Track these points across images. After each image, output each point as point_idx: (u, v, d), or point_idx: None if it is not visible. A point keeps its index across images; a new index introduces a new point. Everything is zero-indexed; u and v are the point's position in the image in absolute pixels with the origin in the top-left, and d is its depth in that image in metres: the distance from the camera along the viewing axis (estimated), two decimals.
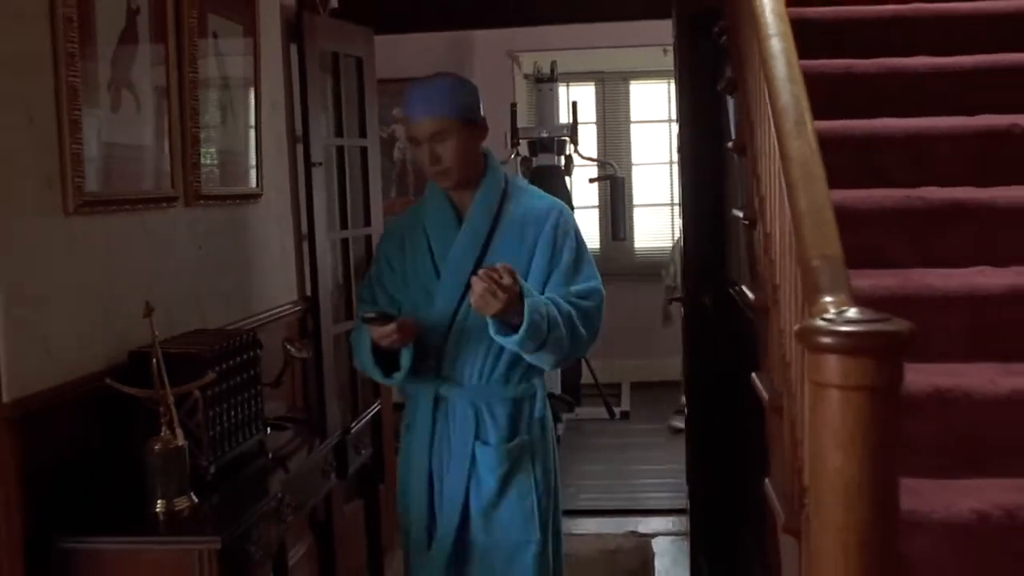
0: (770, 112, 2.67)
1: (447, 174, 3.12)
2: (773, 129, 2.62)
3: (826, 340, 1.78)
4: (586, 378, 8.18)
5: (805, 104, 2.59)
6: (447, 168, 3.10)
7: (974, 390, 2.61)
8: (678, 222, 5.84)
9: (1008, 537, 2.34)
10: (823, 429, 1.81)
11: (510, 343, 2.97)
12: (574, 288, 3.09)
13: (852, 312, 1.85)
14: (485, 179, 3.19)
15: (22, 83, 2.68)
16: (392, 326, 3.00)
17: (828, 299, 1.98)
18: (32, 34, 2.74)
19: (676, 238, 7.89)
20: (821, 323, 1.81)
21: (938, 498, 2.40)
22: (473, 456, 3.13)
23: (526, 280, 3.03)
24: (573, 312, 3.04)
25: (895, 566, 1.85)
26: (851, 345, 1.76)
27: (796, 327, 1.95)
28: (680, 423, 7.25)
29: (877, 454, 1.77)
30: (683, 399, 7.38)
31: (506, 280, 2.86)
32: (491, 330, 2.96)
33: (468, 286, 3.00)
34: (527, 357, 3.06)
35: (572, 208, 8.01)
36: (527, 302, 2.91)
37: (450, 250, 3.15)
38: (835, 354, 1.77)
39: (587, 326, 3.08)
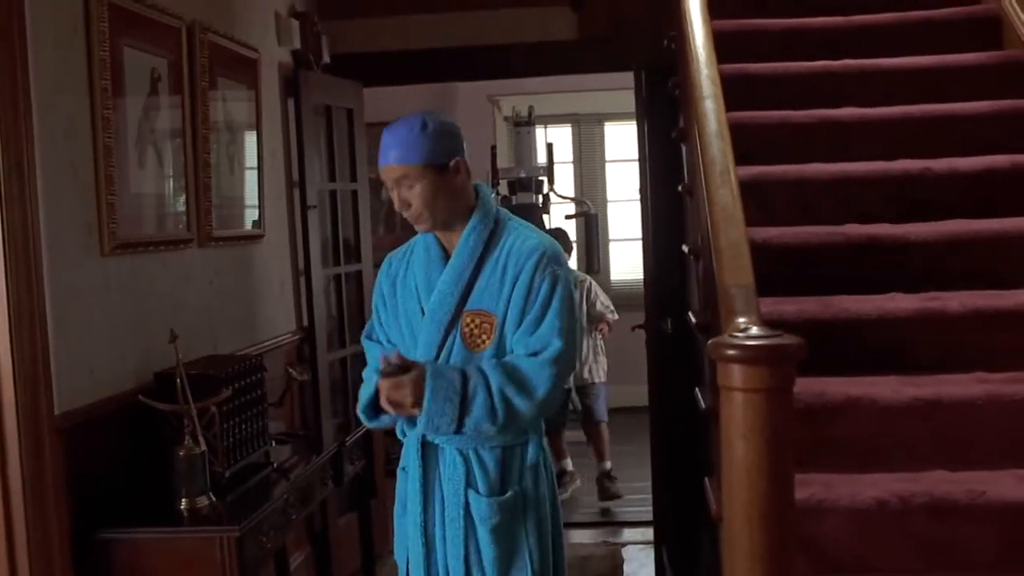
0: (701, 162, 3.07)
1: (419, 219, 2.96)
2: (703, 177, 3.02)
3: (731, 352, 2.12)
4: None
5: (730, 157, 2.97)
6: (418, 213, 2.94)
7: (880, 398, 2.94)
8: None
9: (902, 519, 2.70)
10: (730, 424, 2.13)
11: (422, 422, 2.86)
12: (530, 340, 2.91)
13: (754, 330, 2.20)
14: (473, 216, 2.98)
15: (68, 144, 3.15)
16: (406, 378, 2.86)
17: (741, 320, 2.32)
18: (76, 103, 3.20)
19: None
20: (728, 339, 2.16)
21: (846, 489, 2.75)
22: (467, 504, 2.95)
23: (503, 322, 2.92)
24: (503, 380, 2.86)
25: (793, 536, 2.21)
26: (750, 356, 2.10)
27: (709, 342, 2.23)
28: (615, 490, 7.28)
29: (772, 442, 2.10)
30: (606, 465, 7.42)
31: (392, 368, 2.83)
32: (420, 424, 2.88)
33: (451, 326, 2.94)
34: (467, 428, 2.88)
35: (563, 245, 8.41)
36: (429, 375, 2.84)
37: (434, 290, 2.98)
38: (738, 363, 2.12)
39: (525, 389, 2.87)
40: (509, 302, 2.92)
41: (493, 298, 2.93)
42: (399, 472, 3.11)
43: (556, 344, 2.88)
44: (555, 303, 2.90)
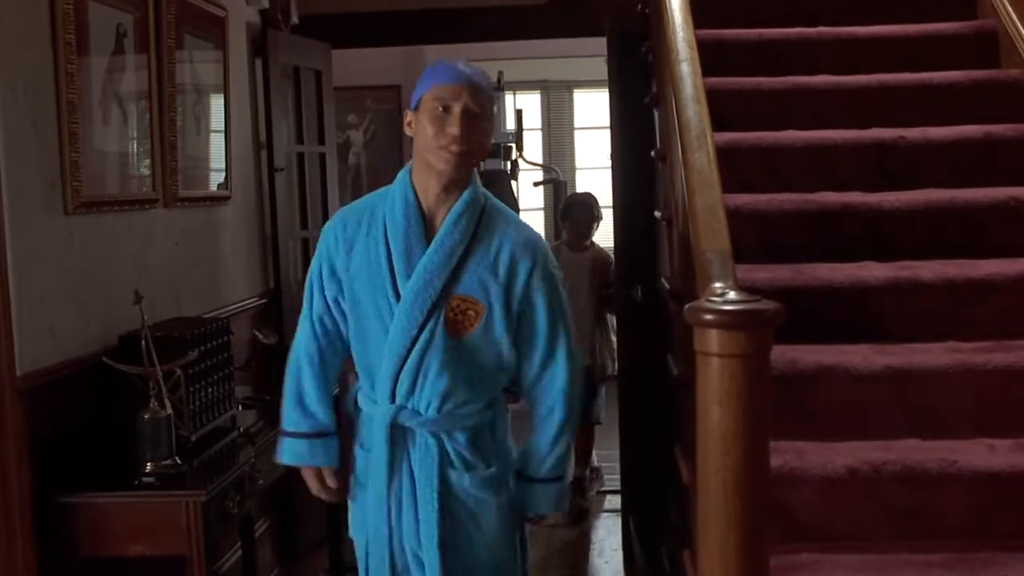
0: (677, 126, 3.04)
1: (461, 158, 2.69)
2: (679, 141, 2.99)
3: (708, 317, 2.09)
4: None
5: (706, 120, 2.93)
6: (470, 151, 2.69)
7: (852, 367, 2.94)
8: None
9: (872, 487, 2.72)
10: (705, 390, 2.11)
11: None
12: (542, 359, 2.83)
13: (732, 294, 2.19)
14: (465, 192, 2.75)
15: (30, 99, 3.08)
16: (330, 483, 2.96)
17: (718, 285, 2.29)
18: (38, 57, 3.13)
19: None
20: (705, 303, 2.13)
21: (818, 457, 2.76)
22: (441, 485, 2.79)
23: (490, 311, 2.76)
24: (567, 413, 2.87)
25: (767, 503, 2.20)
26: (727, 321, 2.07)
27: (686, 307, 2.18)
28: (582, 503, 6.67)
29: (748, 408, 2.07)
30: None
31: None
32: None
33: (435, 308, 2.71)
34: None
35: (518, 211, 8.41)
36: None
37: (415, 270, 2.72)
38: (715, 328, 2.08)
39: (576, 404, 2.91)
40: (505, 292, 2.75)
41: (484, 285, 2.74)
42: (357, 449, 2.94)
43: (571, 360, 2.87)
44: (561, 314, 2.84)
